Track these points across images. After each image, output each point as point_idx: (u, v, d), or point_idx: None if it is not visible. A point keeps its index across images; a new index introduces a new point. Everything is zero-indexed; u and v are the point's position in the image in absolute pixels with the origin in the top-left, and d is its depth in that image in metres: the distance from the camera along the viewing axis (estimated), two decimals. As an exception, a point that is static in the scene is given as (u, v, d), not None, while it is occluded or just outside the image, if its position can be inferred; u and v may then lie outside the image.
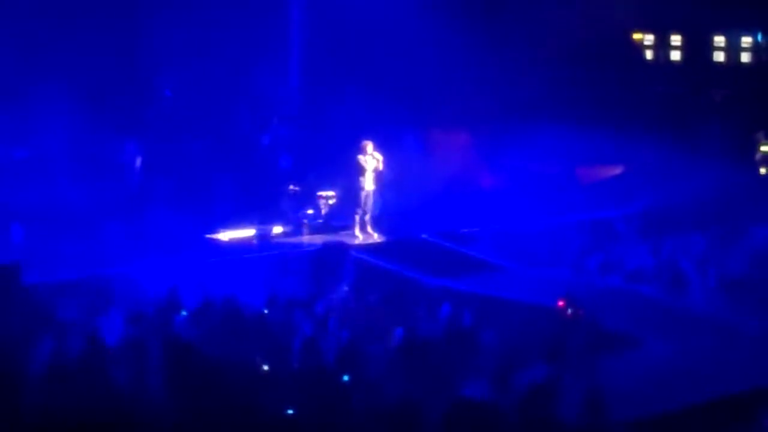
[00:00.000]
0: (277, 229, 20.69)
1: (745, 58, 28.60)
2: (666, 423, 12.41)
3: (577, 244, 20.15)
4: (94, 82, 21.69)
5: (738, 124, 25.89)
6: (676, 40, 29.03)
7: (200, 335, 14.13)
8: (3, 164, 20.85)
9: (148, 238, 18.82)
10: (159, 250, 18.03)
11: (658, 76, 28.85)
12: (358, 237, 20.35)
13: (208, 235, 19.80)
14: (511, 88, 25.43)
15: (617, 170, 25.03)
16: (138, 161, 21.65)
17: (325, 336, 14.52)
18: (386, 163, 20.41)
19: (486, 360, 13.93)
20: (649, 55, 29.26)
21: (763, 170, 24.98)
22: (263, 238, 20.21)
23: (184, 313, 14.99)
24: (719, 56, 28.73)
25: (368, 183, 20.40)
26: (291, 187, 21.71)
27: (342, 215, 21.22)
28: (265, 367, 13.40)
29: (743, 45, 28.63)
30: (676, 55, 29.09)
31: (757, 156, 25.21)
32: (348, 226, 20.66)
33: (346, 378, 13.06)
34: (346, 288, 17.20)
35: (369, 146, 20.35)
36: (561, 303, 15.40)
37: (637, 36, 29.13)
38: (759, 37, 28.51)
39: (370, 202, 20.54)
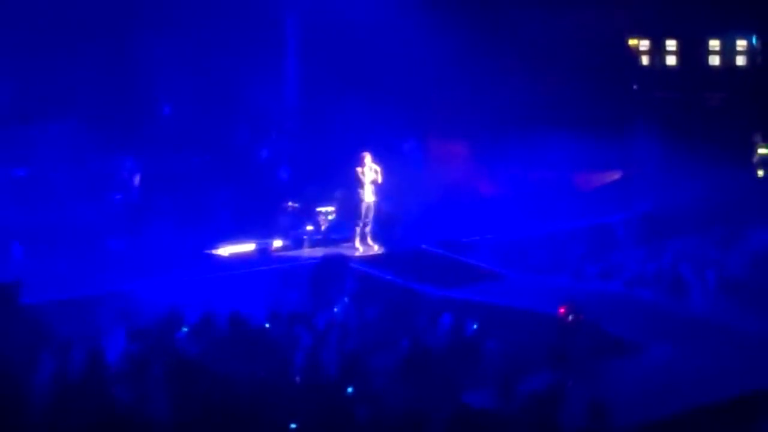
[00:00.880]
0: (277, 243, 20.70)
1: (740, 61, 28.70)
2: (669, 427, 12.40)
3: (577, 250, 20.18)
4: (92, 100, 21.71)
5: (735, 128, 25.95)
6: (671, 45, 29.14)
7: (202, 351, 14.12)
8: (2, 183, 20.86)
9: (148, 255, 18.84)
10: (159, 266, 18.04)
11: (655, 82, 28.94)
12: (358, 249, 20.35)
13: (208, 251, 19.81)
14: (509, 95, 25.48)
15: (615, 176, 25.08)
16: (137, 178, 21.67)
17: (327, 348, 14.50)
18: (384, 173, 20.43)
19: (489, 368, 13.92)
20: (645, 60, 29.35)
21: (760, 172, 25.05)
22: (263, 252, 20.22)
23: (185, 329, 14.97)
24: (714, 60, 28.84)
25: (368, 195, 20.41)
26: (290, 203, 21.73)
27: (341, 228, 21.23)
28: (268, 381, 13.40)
29: (738, 48, 28.72)
30: (671, 60, 29.19)
31: (755, 158, 25.29)
32: (348, 239, 20.67)
33: (349, 390, 13.04)
34: (347, 300, 17.20)
35: (367, 158, 20.37)
36: (562, 310, 15.39)
37: (632, 42, 29.22)
38: (754, 40, 28.59)
39: (371, 214, 20.55)
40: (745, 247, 19.40)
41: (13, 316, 15.06)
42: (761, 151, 25.22)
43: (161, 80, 23.09)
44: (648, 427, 12.33)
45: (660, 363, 14.50)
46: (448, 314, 15.73)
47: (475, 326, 15.39)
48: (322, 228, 21.29)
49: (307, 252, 20.45)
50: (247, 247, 20.28)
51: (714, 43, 29.02)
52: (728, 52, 28.94)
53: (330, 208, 21.46)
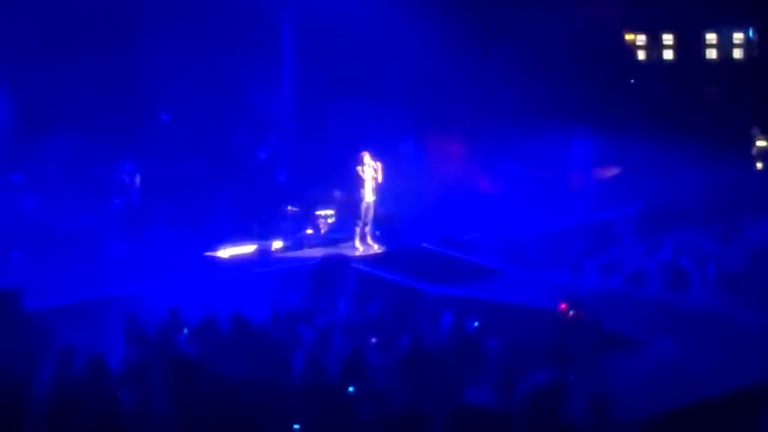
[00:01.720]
0: (277, 244, 20.73)
1: (737, 54, 28.72)
2: (671, 420, 12.42)
3: (577, 246, 20.19)
4: (91, 105, 21.75)
5: (733, 120, 25.96)
6: (668, 39, 29.15)
7: (203, 353, 14.14)
8: (3, 188, 20.89)
9: (148, 258, 18.87)
10: (160, 269, 18.07)
11: (652, 76, 28.96)
12: (359, 248, 20.38)
13: (207, 253, 19.83)
14: (507, 92, 25.51)
15: (614, 171, 25.09)
16: (137, 182, 21.69)
17: (328, 348, 14.53)
18: (384, 172, 20.45)
19: (490, 365, 13.93)
20: (642, 55, 29.37)
21: (759, 165, 25.05)
22: (263, 253, 20.24)
23: (185, 331, 15.00)
24: (712, 53, 28.86)
25: (368, 194, 20.43)
26: (289, 208, 21.75)
27: (341, 228, 21.26)
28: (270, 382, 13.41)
29: (735, 41, 28.75)
30: (668, 54, 29.21)
31: (754, 151, 25.29)
32: (348, 238, 20.69)
33: (351, 389, 13.06)
34: (347, 299, 17.21)
35: (366, 156, 20.39)
36: (563, 305, 15.40)
37: (629, 36, 29.24)
38: (750, 33, 28.61)
39: (371, 213, 20.57)
40: (744, 240, 19.40)
41: (15, 321, 15.08)
42: (759, 143, 25.21)
43: (160, 84, 23.12)
44: (650, 421, 12.34)
45: (661, 357, 14.50)
46: (448, 312, 15.74)
47: (476, 324, 15.39)
48: (322, 231, 21.29)
49: (307, 252, 20.47)
50: (247, 248, 20.30)
51: (711, 37, 29.03)
52: (725, 45, 28.96)
53: (329, 212, 21.49)
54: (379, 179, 20.37)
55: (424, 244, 20.41)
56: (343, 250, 20.19)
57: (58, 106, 21.22)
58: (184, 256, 19.04)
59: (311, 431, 12.20)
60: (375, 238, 20.61)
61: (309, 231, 21.27)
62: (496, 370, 13.61)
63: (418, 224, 21.35)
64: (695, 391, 13.09)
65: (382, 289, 17.72)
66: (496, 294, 17.45)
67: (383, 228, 20.90)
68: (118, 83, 22.73)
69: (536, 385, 12.65)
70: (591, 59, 27.12)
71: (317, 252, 20.20)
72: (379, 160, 20.42)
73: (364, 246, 20.47)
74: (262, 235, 20.83)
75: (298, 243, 20.90)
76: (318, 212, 21.47)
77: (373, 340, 15.15)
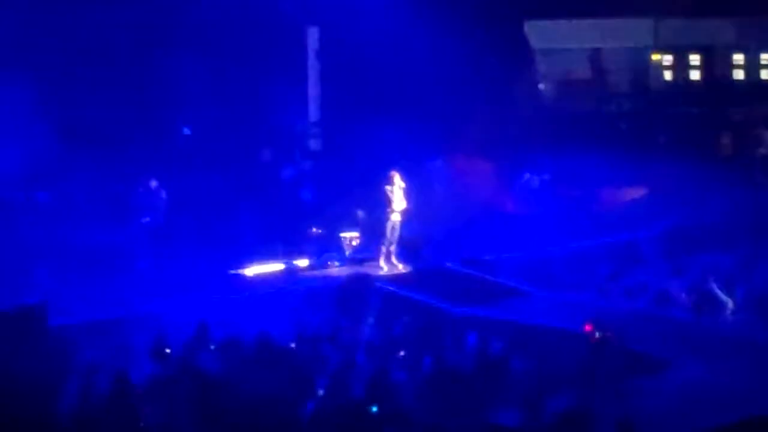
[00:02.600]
0: (302, 263, 20.72)
1: (764, 75, 28.64)
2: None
3: (603, 267, 20.09)
4: (117, 123, 21.85)
5: (760, 142, 25.84)
6: (695, 59, 29.09)
7: (228, 371, 14.14)
8: (27, 207, 20.98)
9: (174, 276, 18.91)
10: (185, 286, 18.10)
11: (679, 96, 28.89)
12: (383, 268, 20.34)
13: (233, 271, 19.85)
14: (534, 112, 25.49)
15: (640, 192, 24.98)
16: (163, 199, 21.74)
17: (352, 368, 14.50)
18: (409, 192, 20.43)
19: (515, 387, 13.87)
20: (668, 75, 29.32)
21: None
22: (288, 272, 20.24)
23: (212, 347, 15.01)
24: (738, 74, 28.78)
25: (395, 214, 20.40)
26: (314, 229, 21.71)
27: (365, 249, 21.22)
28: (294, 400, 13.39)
29: (762, 62, 28.66)
30: (695, 75, 29.14)
31: (781, 172, 25.15)
32: (373, 258, 20.67)
33: (374, 409, 13.02)
34: (371, 319, 17.18)
35: (396, 176, 20.37)
36: (588, 327, 15.32)
37: (655, 57, 29.19)
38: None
39: (396, 233, 20.53)
40: (772, 263, 19.28)
41: (39, 338, 15.12)
42: (787, 164, 25.09)
43: (185, 101, 23.23)
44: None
45: (688, 381, 14.40)
46: (473, 333, 15.69)
47: (500, 345, 15.33)
48: (347, 254, 21.24)
49: (332, 271, 20.45)
50: (273, 267, 20.31)
51: (738, 57, 28.94)
52: (752, 66, 28.86)
53: (354, 234, 21.43)
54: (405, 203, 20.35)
55: (449, 264, 20.36)
56: (368, 269, 20.16)
57: (86, 124, 21.32)
58: (210, 274, 19.07)
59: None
60: (399, 258, 20.58)
61: (334, 254, 21.25)
62: (521, 392, 13.55)
63: (444, 244, 21.31)
64: (721, 415, 12.99)
65: (407, 309, 17.68)
66: (522, 315, 17.38)
67: (408, 248, 20.85)
68: (144, 101, 22.84)
69: (562, 407, 12.59)
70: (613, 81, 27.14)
71: (342, 271, 20.18)
72: (405, 180, 20.41)
73: (388, 265, 20.43)
74: (287, 253, 20.82)
75: (322, 263, 20.88)
76: (342, 234, 21.43)
77: (398, 359, 15.12)
